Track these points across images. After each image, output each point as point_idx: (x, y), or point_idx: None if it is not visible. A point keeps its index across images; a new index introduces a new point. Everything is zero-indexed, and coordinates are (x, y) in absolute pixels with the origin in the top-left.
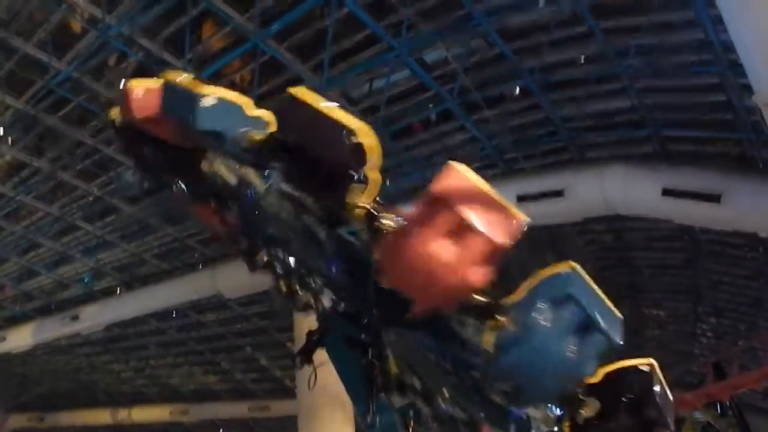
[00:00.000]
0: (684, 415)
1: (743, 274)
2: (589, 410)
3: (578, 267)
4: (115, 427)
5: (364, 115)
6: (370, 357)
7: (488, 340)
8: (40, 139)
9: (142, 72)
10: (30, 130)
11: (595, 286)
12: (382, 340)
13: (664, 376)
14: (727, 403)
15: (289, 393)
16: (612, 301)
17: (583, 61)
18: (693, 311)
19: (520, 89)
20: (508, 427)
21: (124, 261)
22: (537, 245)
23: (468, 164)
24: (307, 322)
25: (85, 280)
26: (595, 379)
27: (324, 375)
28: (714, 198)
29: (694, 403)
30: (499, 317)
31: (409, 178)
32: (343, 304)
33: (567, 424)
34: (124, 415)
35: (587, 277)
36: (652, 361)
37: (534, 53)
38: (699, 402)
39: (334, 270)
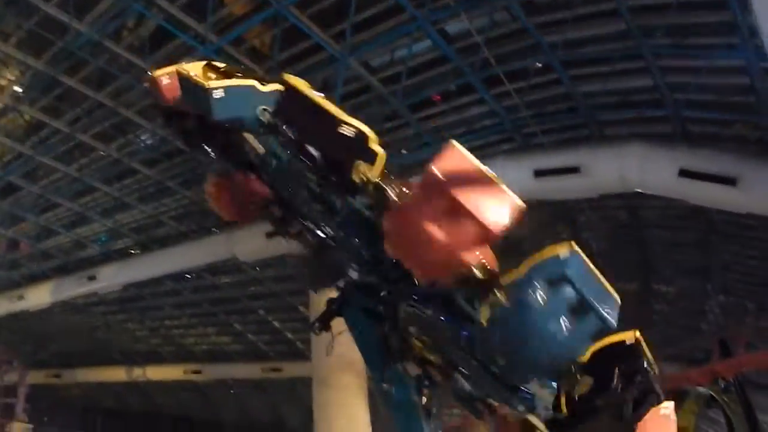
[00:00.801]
0: (688, 389)
1: (754, 255)
2: (583, 386)
3: (578, 249)
4: (130, 384)
5: (384, 84)
6: (386, 328)
7: (484, 314)
8: (58, 99)
9: (161, 36)
10: (49, 91)
11: (594, 270)
12: (398, 313)
13: (670, 351)
14: (731, 379)
15: (301, 355)
16: (621, 277)
17: (606, 39)
18: (702, 289)
19: (541, 64)
20: (515, 403)
21: (141, 222)
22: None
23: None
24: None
25: (102, 240)
26: (585, 357)
27: (340, 342)
28: (730, 181)
29: (699, 379)
30: (496, 294)
31: (427, 148)
32: (363, 276)
33: (563, 399)
34: (138, 373)
35: (586, 260)
36: (637, 334)
37: (557, 28)
38: (704, 378)
39: (353, 240)
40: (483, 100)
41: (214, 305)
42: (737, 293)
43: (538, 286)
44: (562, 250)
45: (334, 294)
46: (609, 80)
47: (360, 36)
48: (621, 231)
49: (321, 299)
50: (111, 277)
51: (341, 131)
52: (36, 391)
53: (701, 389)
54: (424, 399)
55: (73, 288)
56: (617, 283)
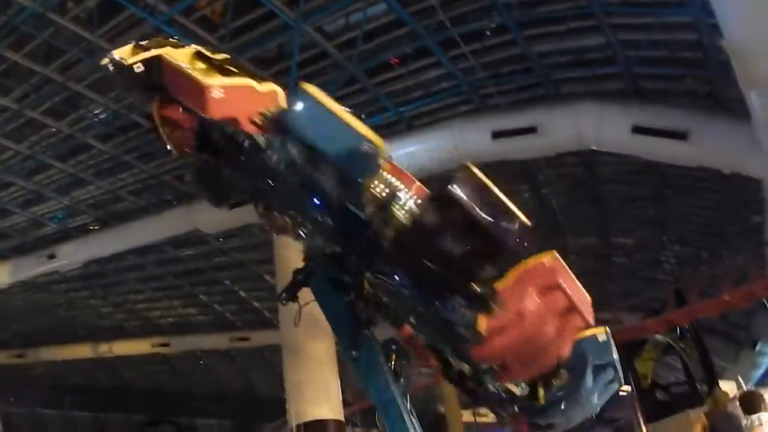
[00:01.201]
0: (646, 338)
1: (707, 206)
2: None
3: (557, 256)
4: (97, 360)
5: (339, 50)
6: (352, 296)
7: (482, 324)
8: (4, 76)
9: (108, 7)
10: None
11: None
12: (363, 282)
13: (630, 302)
14: (686, 326)
15: (269, 324)
16: (581, 232)
17: None
18: (659, 240)
19: (496, 25)
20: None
21: (99, 198)
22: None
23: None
24: (287, 258)
25: (59, 217)
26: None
27: (307, 309)
28: (682, 136)
29: (656, 328)
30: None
31: (384, 113)
32: (329, 248)
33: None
34: (105, 348)
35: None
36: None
37: None
38: (660, 327)
39: (330, 220)
40: (440, 63)
41: (178, 278)
42: (692, 243)
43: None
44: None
45: (300, 265)
46: (563, 39)
47: (314, 2)
48: (579, 187)
49: (288, 269)
50: (71, 255)
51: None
52: (0, 372)
53: (659, 337)
54: (392, 363)
55: (33, 267)
56: (578, 237)
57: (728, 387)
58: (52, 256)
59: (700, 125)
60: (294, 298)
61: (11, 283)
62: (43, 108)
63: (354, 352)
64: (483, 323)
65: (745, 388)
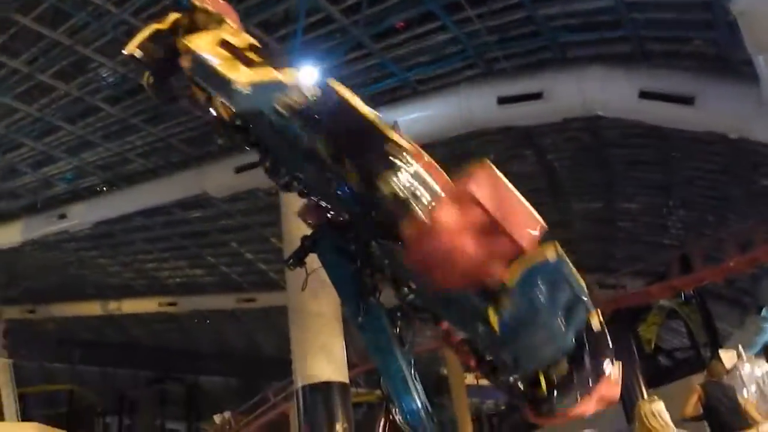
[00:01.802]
0: (651, 303)
1: (713, 170)
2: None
3: (560, 249)
4: (106, 317)
5: (345, 14)
6: (359, 264)
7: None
8: (12, 39)
9: None
10: (2, 31)
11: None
12: (370, 250)
13: (635, 267)
14: (691, 291)
15: (275, 285)
16: (586, 197)
17: None
18: (664, 205)
19: None
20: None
21: (107, 160)
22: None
23: None
24: (294, 221)
25: (68, 178)
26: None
27: (314, 275)
28: (688, 100)
29: (660, 294)
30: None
31: (390, 79)
32: (337, 216)
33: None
34: (114, 306)
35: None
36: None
37: None
38: (664, 294)
39: (340, 193)
40: (445, 27)
41: (185, 239)
42: (698, 208)
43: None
44: (550, 252)
45: (308, 231)
46: (570, 2)
47: None
48: (584, 152)
49: (294, 232)
50: (81, 215)
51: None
52: (12, 326)
53: (663, 302)
54: (398, 328)
55: (44, 227)
56: (583, 203)
57: (731, 354)
58: (62, 216)
59: (707, 89)
60: (301, 263)
61: (23, 241)
62: (52, 71)
63: (360, 318)
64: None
65: (745, 356)
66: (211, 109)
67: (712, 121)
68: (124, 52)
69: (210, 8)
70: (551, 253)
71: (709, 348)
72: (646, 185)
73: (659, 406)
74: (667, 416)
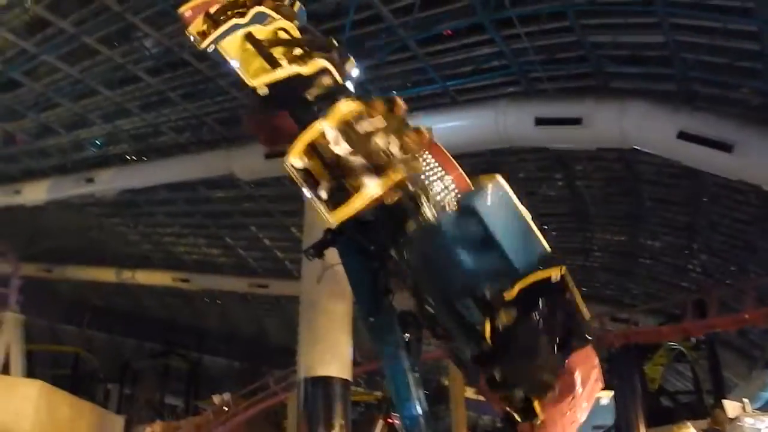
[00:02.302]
0: (661, 343)
1: (741, 219)
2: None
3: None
4: (119, 285)
5: (395, 15)
6: (376, 265)
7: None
8: None
9: None
10: None
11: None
12: (389, 255)
13: (650, 305)
14: (702, 337)
15: (289, 274)
16: (610, 228)
17: None
18: (687, 247)
19: (554, 11)
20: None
21: (140, 130)
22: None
23: None
24: (317, 214)
25: (98, 143)
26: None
27: (330, 271)
28: (727, 147)
29: (671, 335)
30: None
31: (430, 85)
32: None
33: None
34: (128, 275)
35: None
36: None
37: None
38: (675, 335)
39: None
40: (492, 41)
41: (206, 218)
42: (720, 255)
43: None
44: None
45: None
46: (620, 33)
47: None
48: (614, 183)
49: (316, 224)
50: (108, 181)
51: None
52: (27, 283)
53: (672, 344)
54: (407, 333)
55: (71, 188)
56: (606, 233)
57: (735, 405)
58: (90, 180)
59: (747, 138)
60: (320, 255)
61: (48, 200)
62: (98, 35)
63: (371, 319)
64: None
65: (749, 410)
66: None
67: (748, 171)
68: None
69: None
70: (556, 274)
71: (712, 395)
72: (672, 225)
73: None
74: None
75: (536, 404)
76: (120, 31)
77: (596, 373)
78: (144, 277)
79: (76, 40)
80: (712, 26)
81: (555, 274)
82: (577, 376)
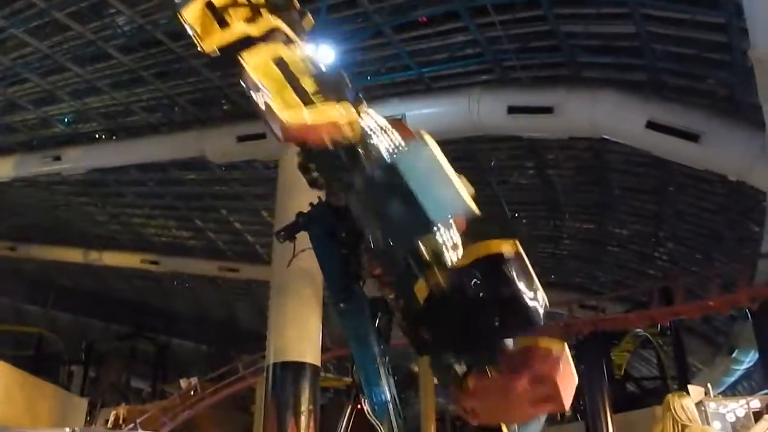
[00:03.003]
0: (627, 329)
1: (707, 208)
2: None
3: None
4: (85, 266)
5: (370, 1)
6: (347, 251)
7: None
8: None
9: None
10: None
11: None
12: (360, 244)
13: (618, 292)
14: (668, 324)
15: (259, 258)
16: (579, 216)
17: None
18: (654, 235)
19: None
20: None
21: (111, 109)
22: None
23: None
24: (289, 197)
25: (68, 120)
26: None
27: (301, 255)
28: (693, 137)
29: (637, 322)
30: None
31: (405, 72)
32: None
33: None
34: (95, 256)
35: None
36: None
37: None
38: (641, 322)
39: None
40: (467, 29)
41: (177, 199)
42: (686, 243)
43: (383, 168)
44: (507, 249)
45: (303, 208)
46: (592, 23)
47: None
48: (584, 171)
49: (288, 208)
50: (76, 160)
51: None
52: None
53: (639, 331)
54: (378, 320)
55: (37, 166)
56: (576, 222)
57: (699, 390)
58: (57, 158)
59: (714, 129)
60: (291, 238)
61: (14, 177)
62: (69, 10)
63: (342, 305)
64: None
65: (712, 395)
66: None
67: (714, 161)
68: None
69: None
70: (508, 249)
71: (677, 381)
72: (640, 214)
73: (688, 402)
74: (695, 412)
75: (469, 377)
76: (92, 7)
77: (565, 369)
78: (111, 258)
79: (47, 15)
80: (681, 18)
81: (509, 248)
82: (532, 360)
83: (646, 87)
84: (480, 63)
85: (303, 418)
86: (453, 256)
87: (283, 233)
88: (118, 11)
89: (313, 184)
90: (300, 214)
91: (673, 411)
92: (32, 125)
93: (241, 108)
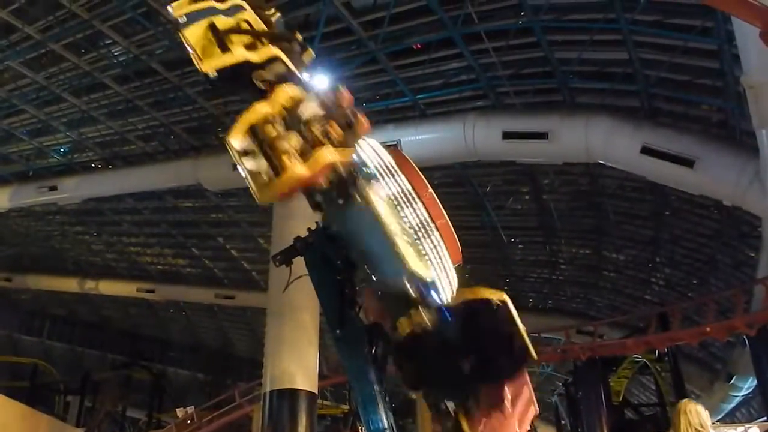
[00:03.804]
0: (625, 356)
1: (703, 233)
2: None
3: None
4: (81, 295)
5: (364, 28)
6: (343, 277)
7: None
8: (31, 4)
9: None
10: None
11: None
12: (354, 272)
13: (614, 318)
14: (665, 350)
15: (256, 285)
16: (576, 241)
17: (588, 7)
18: (650, 260)
19: (522, 27)
20: None
21: (107, 138)
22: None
23: None
24: (285, 224)
25: (64, 150)
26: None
27: (297, 281)
28: (688, 162)
29: (635, 348)
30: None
31: (400, 98)
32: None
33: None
34: (91, 285)
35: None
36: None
37: None
38: (639, 348)
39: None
40: (461, 56)
41: (173, 227)
42: (683, 268)
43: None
44: (496, 297)
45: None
46: (586, 49)
47: None
48: (580, 197)
49: (284, 235)
50: (72, 189)
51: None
52: None
53: (637, 357)
54: (375, 347)
55: (33, 196)
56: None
57: None
58: (53, 188)
59: (708, 154)
60: (287, 262)
61: (9, 207)
62: (65, 42)
63: (338, 331)
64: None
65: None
66: None
67: (709, 187)
68: None
69: None
70: (497, 297)
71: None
72: (636, 239)
73: (701, 408)
74: (708, 420)
75: (462, 420)
76: (87, 38)
77: (528, 392)
78: (107, 287)
79: (43, 46)
80: (674, 44)
81: (497, 298)
82: (506, 392)
83: (640, 112)
84: (474, 89)
85: None
86: (437, 298)
87: (279, 257)
88: (114, 42)
89: (316, 207)
90: (297, 239)
91: (688, 414)
92: (28, 155)
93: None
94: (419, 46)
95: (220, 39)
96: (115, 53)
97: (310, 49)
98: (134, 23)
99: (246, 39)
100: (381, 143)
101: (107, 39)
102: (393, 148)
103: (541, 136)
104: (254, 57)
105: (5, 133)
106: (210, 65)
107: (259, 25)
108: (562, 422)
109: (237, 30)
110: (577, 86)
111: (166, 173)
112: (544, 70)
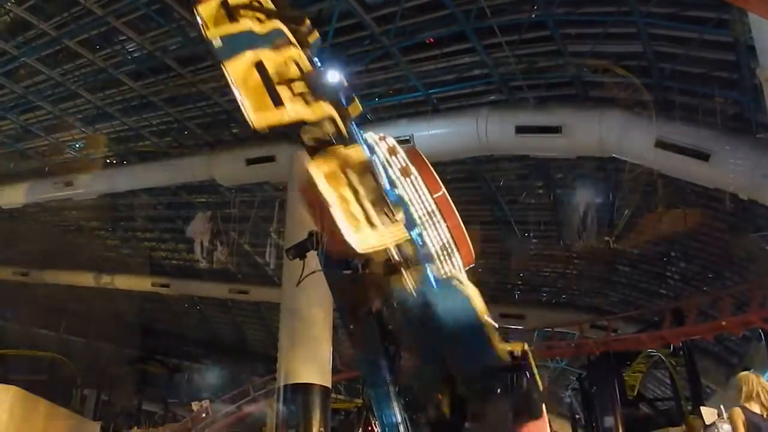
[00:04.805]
0: (639, 350)
1: (718, 227)
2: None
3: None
4: (97, 290)
5: (377, 23)
6: (355, 276)
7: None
8: (46, 0)
9: None
10: None
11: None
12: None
13: (629, 312)
14: (680, 344)
15: (269, 281)
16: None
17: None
18: (665, 254)
19: (534, 21)
20: None
21: (121, 134)
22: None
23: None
24: (299, 219)
25: (77, 146)
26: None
27: (311, 276)
28: (703, 156)
29: (649, 343)
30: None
31: (413, 93)
32: None
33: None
34: (107, 280)
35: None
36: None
37: None
38: (654, 343)
39: None
40: (474, 50)
41: (187, 223)
42: (698, 262)
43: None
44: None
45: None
46: (599, 42)
47: None
48: (594, 191)
49: (298, 230)
50: (87, 185)
51: None
52: (3, 287)
53: (651, 351)
54: (387, 342)
55: (49, 191)
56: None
57: (711, 412)
58: (69, 184)
59: (723, 147)
60: (301, 256)
61: (26, 203)
62: (80, 38)
63: (351, 326)
64: None
65: (726, 415)
66: None
67: (725, 180)
68: None
69: None
70: (519, 349)
71: (690, 402)
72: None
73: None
74: None
75: None
76: (102, 34)
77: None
78: (123, 281)
79: (58, 43)
80: (689, 37)
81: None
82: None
83: (654, 105)
84: (487, 84)
85: None
86: None
87: (292, 251)
88: (128, 38)
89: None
90: (311, 234)
91: (754, 385)
92: (44, 152)
93: (249, 131)
94: (432, 40)
95: (274, 90)
96: (130, 49)
97: (315, 31)
98: (148, 20)
99: (256, 13)
100: (395, 138)
101: (122, 35)
102: (410, 147)
103: (555, 130)
104: (309, 116)
105: (22, 130)
106: (262, 122)
107: (304, 63)
108: (576, 417)
109: (247, 5)
110: (590, 80)
111: (180, 169)
112: (557, 64)
